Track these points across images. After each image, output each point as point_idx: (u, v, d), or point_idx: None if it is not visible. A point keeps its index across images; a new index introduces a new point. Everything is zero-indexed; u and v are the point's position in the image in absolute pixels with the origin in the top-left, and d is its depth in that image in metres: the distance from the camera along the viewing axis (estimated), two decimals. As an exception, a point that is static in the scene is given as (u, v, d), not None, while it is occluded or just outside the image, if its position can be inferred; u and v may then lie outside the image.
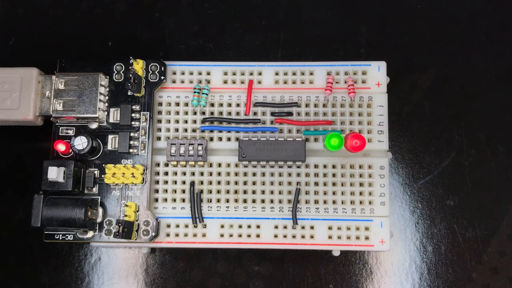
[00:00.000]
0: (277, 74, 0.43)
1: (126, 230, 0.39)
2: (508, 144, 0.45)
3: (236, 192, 0.42)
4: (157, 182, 0.42)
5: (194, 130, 0.42)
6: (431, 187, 0.45)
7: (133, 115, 0.42)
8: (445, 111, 0.46)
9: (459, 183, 0.45)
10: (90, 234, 0.40)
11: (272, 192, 0.42)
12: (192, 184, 0.41)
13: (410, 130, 0.46)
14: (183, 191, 0.42)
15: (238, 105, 0.43)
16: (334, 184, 0.41)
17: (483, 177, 0.45)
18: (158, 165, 0.42)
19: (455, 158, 0.45)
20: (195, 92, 0.42)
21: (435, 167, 0.45)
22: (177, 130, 0.42)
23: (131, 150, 0.41)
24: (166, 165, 0.42)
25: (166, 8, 0.48)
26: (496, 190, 0.44)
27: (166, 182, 0.42)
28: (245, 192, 0.42)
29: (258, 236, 0.41)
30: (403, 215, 0.44)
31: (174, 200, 0.42)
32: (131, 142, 0.41)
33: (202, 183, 0.42)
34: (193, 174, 0.42)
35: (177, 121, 0.42)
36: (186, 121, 0.42)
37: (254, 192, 0.42)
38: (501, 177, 0.45)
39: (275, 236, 0.41)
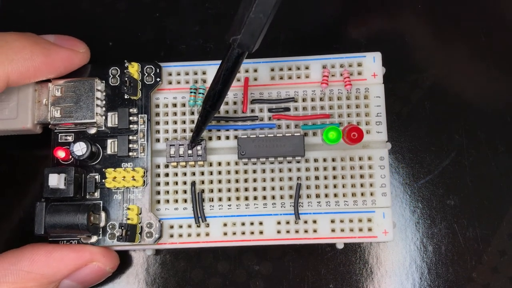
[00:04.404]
0: (272, 70, 0.43)
1: (129, 233, 0.39)
2: (508, 144, 0.45)
3: (237, 190, 0.42)
4: (158, 183, 0.42)
5: (192, 130, 0.42)
6: (432, 187, 0.45)
7: (130, 118, 0.42)
8: (445, 111, 0.45)
9: (459, 183, 0.44)
10: (94, 238, 0.40)
11: (273, 188, 0.42)
12: (193, 184, 0.41)
13: (410, 130, 0.45)
14: (185, 192, 0.42)
15: (235, 103, 0.43)
16: (334, 177, 0.41)
17: (483, 177, 0.44)
18: (158, 166, 0.42)
19: (455, 158, 0.45)
20: (191, 92, 0.42)
21: (435, 167, 0.45)
22: (175, 131, 0.42)
23: (130, 153, 0.41)
24: (166, 166, 0.42)
25: (166, 8, 0.48)
26: (496, 190, 0.44)
27: (167, 183, 0.42)
28: (246, 189, 0.42)
29: (261, 232, 0.41)
30: (403, 215, 0.44)
31: (176, 201, 0.42)
32: (130, 145, 0.41)
33: (203, 182, 0.42)
34: (193, 174, 0.42)
35: (175, 122, 0.43)
36: (184, 122, 0.43)
37: (255, 189, 0.42)
38: (501, 177, 0.44)
39: (278, 232, 0.41)
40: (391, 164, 0.45)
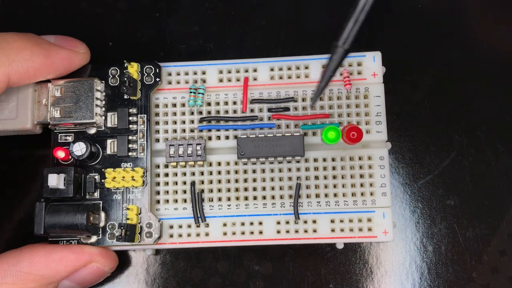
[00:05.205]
0: (272, 70, 0.43)
1: (129, 233, 0.39)
2: (508, 144, 0.45)
3: (237, 190, 0.42)
4: (158, 183, 0.42)
5: (192, 130, 0.42)
6: (431, 187, 0.44)
7: (130, 118, 0.42)
8: (445, 111, 0.45)
9: (459, 183, 0.44)
10: (93, 238, 0.40)
11: (272, 188, 0.42)
12: (193, 184, 0.41)
13: (410, 130, 0.45)
14: (184, 192, 0.42)
15: (234, 103, 0.43)
16: (334, 177, 0.41)
17: (483, 177, 0.44)
18: (158, 166, 0.42)
19: (455, 158, 0.45)
20: (191, 92, 0.42)
21: (435, 167, 0.45)
22: (175, 131, 0.42)
23: (130, 154, 0.41)
24: (166, 166, 0.42)
25: (166, 8, 0.48)
26: (496, 190, 0.44)
27: (166, 183, 0.42)
28: (245, 189, 0.42)
29: (261, 232, 0.41)
30: (403, 215, 0.44)
31: (176, 201, 0.42)
32: (130, 146, 0.41)
33: (202, 182, 0.42)
34: (193, 174, 0.42)
35: (175, 122, 0.43)
36: (183, 122, 0.43)
37: (254, 189, 0.42)
38: (501, 177, 0.44)
39: (278, 232, 0.41)
40: (391, 164, 0.45)
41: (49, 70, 0.40)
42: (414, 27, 0.47)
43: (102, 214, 0.41)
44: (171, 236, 0.41)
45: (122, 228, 0.39)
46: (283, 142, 0.41)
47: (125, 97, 0.42)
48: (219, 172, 0.42)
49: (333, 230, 0.41)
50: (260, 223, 0.41)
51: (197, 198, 0.41)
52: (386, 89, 0.42)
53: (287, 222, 0.41)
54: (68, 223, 0.38)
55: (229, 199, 0.41)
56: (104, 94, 0.42)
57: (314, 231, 0.41)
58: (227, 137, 0.42)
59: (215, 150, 0.42)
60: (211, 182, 0.42)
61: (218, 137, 0.42)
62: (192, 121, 0.42)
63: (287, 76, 0.43)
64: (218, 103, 0.43)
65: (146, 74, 0.42)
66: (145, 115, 0.42)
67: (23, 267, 0.37)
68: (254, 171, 0.42)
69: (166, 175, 0.42)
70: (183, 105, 0.43)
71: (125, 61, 0.41)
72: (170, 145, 0.41)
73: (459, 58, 0.46)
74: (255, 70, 0.43)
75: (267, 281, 0.44)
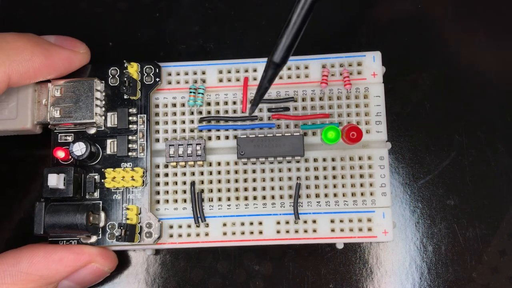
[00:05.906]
0: (272, 69, 0.43)
1: (129, 233, 0.39)
2: (508, 144, 0.45)
3: (236, 190, 0.42)
4: (158, 183, 0.42)
5: (192, 130, 0.42)
6: (431, 186, 0.44)
7: (130, 118, 0.42)
8: (445, 111, 0.45)
9: (459, 182, 0.44)
10: (93, 238, 0.40)
11: (272, 188, 0.41)
12: (193, 184, 0.41)
13: (410, 130, 0.45)
14: (184, 192, 0.42)
15: (234, 103, 0.43)
16: (334, 177, 0.41)
17: (483, 177, 0.44)
18: (157, 166, 0.42)
19: (455, 158, 0.45)
20: (190, 92, 0.42)
21: (435, 167, 0.45)
22: (175, 131, 0.42)
23: (130, 153, 0.41)
24: (166, 166, 0.42)
25: (166, 8, 0.48)
26: (496, 190, 0.44)
27: (166, 183, 0.42)
28: (245, 189, 0.42)
29: (261, 232, 0.41)
30: (403, 214, 0.44)
31: (176, 201, 0.42)
32: (130, 146, 0.41)
33: (202, 182, 0.42)
34: (193, 174, 0.42)
35: (175, 122, 0.43)
36: (183, 122, 0.43)
37: (254, 189, 0.42)
38: (501, 177, 0.44)
39: (278, 232, 0.41)
40: (391, 164, 0.45)
41: (49, 70, 0.40)
42: (414, 27, 0.47)
43: (102, 214, 0.41)
44: (171, 236, 0.41)
45: (122, 228, 0.39)
46: (283, 142, 0.41)
47: (125, 97, 0.42)
48: (219, 172, 0.42)
49: (333, 230, 0.41)
50: (260, 223, 0.41)
51: (197, 198, 0.41)
52: (386, 89, 0.42)
53: (287, 222, 0.41)
54: (68, 223, 0.38)
55: (229, 199, 0.41)
56: (104, 94, 0.42)
57: (314, 231, 0.41)
58: (227, 137, 0.42)
59: (215, 150, 0.42)
60: (211, 182, 0.42)
61: (218, 137, 0.42)
62: (192, 121, 0.42)
63: (287, 76, 0.43)
64: (218, 103, 0.43)
65: (146, 74, 0.42)
66: (145, 115, 0.42)
67: (23, 267, 0.37)
68: (254, 171, 0.42)
69: (166, 175, 0.42)
70: (183, 105, 0.43)
71: (125, 61, 0.42)
72: (170, 145, 0.41)
73: (459, 58, 0.46)
74: (255, 70, 0.43)
75: (267, 281, 0.44)
